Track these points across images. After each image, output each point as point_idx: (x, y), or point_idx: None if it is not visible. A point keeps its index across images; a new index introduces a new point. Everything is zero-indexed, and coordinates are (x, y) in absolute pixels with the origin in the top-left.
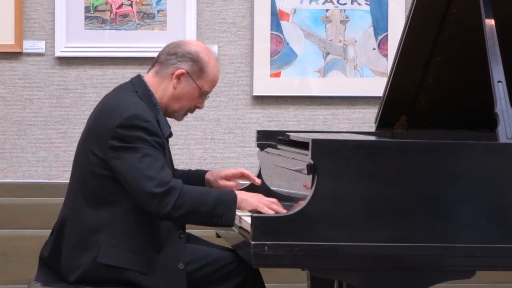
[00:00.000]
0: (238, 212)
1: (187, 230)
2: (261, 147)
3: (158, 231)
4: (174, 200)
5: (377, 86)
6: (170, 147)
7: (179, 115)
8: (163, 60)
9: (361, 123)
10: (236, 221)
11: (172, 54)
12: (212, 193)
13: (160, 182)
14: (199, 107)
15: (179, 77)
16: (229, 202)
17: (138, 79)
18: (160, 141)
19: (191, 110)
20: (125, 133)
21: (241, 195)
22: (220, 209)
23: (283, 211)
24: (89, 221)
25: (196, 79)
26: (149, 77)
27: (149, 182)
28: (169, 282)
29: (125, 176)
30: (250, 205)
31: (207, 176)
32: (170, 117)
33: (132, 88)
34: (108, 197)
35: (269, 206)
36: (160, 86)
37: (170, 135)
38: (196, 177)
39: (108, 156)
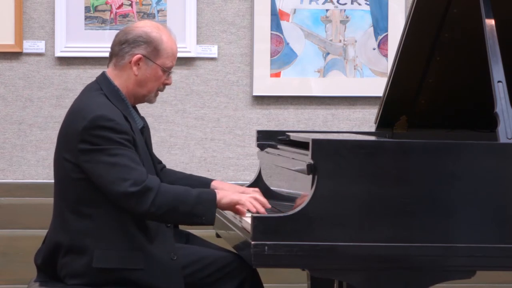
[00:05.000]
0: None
1: (187, 230)
2: (261, 147)
3: (146, 225)
4: (151, 198)
5: (377, 86)
6: (170, 147)
7: (150, 98)
8: (117, 51)
9: (361, 123)
10: (237, 221)
11: (123, 42)
12: (192, 192)
13: (135, 181)
14: (167, 84)
15: (137, 63)
16: (209, 201)
17: (102, 76)
18: (129, 138)
19: (161, 89)
20: (92, 135)
21: (221, 192)
22: (200, 208)
23: (261, 209)
24: (75, 227)
25: (155, 59)
26: (110, 71)
27: (123, 183)
28: (165, 274)
29: (99, 179)
30: (231, 200)
31: (216, 184)
32: (141, 102)
33: (97, 87)
34: (88, 200)
35: (251, 201)
36: (122, 78)
37: (144, 127)
38: (199, 183)
39: (79, 160)
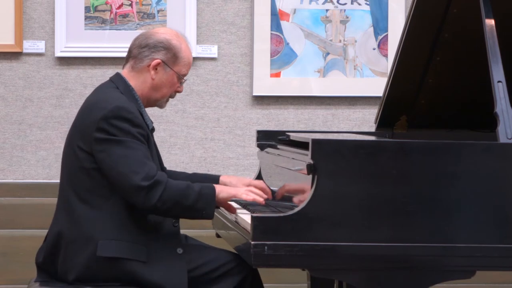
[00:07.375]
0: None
1: (186, 231)
2: (261, 147)
3: (153, 220)
4: (160, 193)
5: (377, 86)
6: (170, 147)
7: (162, 103)
8: (136, 54)
9: (361, 123)
10: (232, 217)
11: (144, 46)
12: (194, 187)
13: (146, 175)
14: (179, 91)
15: (155, 67)
16: (209, 196)
17: (117, 76)
18: (144, 133)
19: (172, 95)
20: (109, 125)
21: (219, 187)
22: (201, 203)
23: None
24: (82, 218)
25: (172, 66)
26: (126, 73)
27: (134, 176)
28: (169, 268)
29: (110, 171)
30: (228, 194)
31: (224, 179)
32: (152, 106)
33: (112, 85)
34: (99, 190)
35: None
36: (139, 80)
37: (153, 129)
38: (209, 181)
39: (93, 149)
